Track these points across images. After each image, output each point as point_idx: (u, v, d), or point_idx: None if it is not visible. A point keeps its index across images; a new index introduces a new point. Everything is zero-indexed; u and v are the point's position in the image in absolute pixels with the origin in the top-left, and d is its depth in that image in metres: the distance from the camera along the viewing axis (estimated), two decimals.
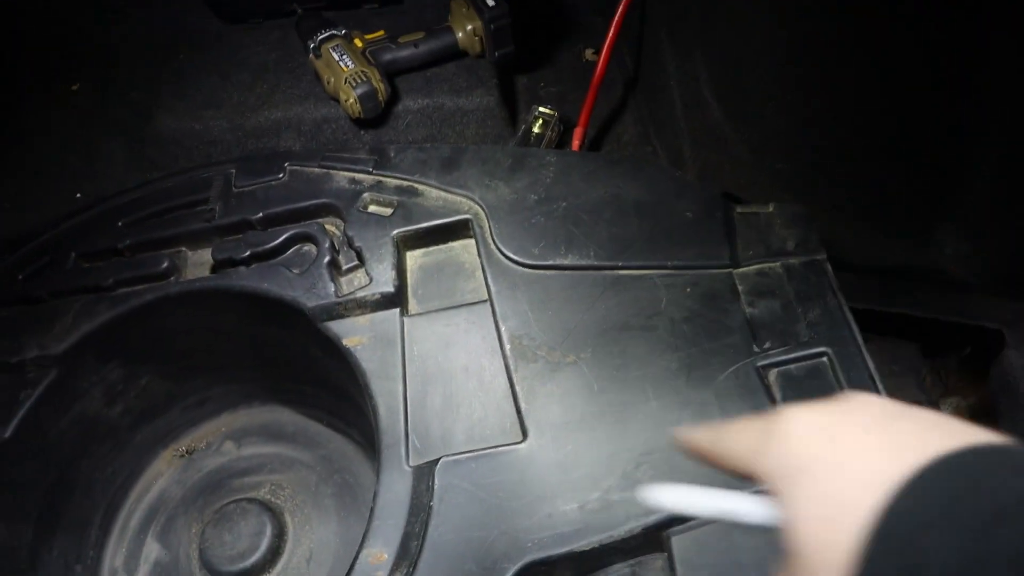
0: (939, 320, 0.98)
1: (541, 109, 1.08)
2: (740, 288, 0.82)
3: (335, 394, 0.98)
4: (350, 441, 1.03)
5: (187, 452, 1.06)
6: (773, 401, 0.74)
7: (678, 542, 0.70)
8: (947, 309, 0.98)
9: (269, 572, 0.95)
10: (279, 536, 0.96)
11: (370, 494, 0.80)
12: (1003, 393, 0.95)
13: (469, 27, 1.11)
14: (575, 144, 1.07)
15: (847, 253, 0.99)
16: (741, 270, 0.83)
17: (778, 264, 0.83)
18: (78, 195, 1.18)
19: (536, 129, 1.07)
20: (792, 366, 0.76)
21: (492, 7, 1.04)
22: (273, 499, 1.00)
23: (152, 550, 1.00)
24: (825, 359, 0.76)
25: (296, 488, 1.01)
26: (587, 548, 0.70)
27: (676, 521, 0.70)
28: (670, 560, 0.69)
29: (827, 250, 0.97)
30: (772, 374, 0.76)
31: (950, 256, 0.95)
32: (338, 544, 0.96)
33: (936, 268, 0.97)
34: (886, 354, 1.06)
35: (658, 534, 0.70)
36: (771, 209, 0.86)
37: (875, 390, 0.73)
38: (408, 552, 0.72)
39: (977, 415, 1.10)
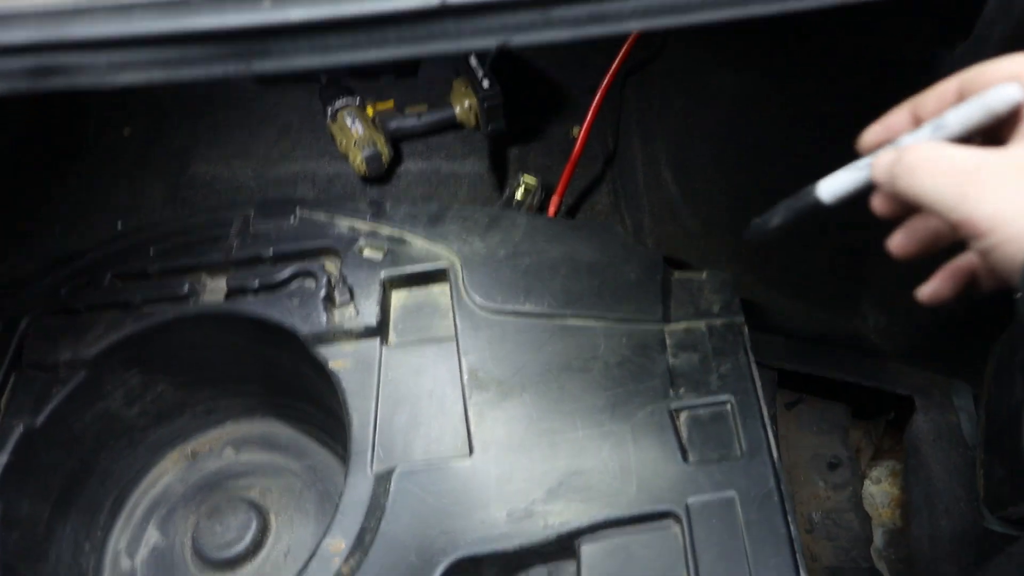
0: (860, 385, 1.10)
1: (525, 178, 1.24)
2: (668, 341, 0.95)
3: (324, 411, 1.11)
4: (334, 455, 1.16)
5: (192, 454, 1.20)
6: (679, 438, 0.87)
7: (586, 549, 0.82)
8: (868, 375, 1.09)
9: (250, 562, 1.08)
10: (263, 532, 1.09)
11: None
12: (912, 455, 1.07)
13: (467, 103, 1.28)
14: (551, 210, 1.22)
15: (781, 319, 1.12)
16: (671, 326, 0.96)
17: (703, 323, 0.96)
18: (119, 225, 1.35)
19: (519, 196, 1.23)
20: (700, 410, 0.89)
21: (486, 88, 1.21)
22: (261, 500, 1.13)
23: (152, 536, 1.13)
24: (728, 406, 0.88)
25: (283, 492, 1.14)
26: (509, 549, 0.82)
27: (586, 531, 0.82)
28: (578, 566, 0.82)
29: (762, 315, 1.11)
30: (682, 415, 0.89)
31: (871, 327, 1.08)
32: (313, 543, 1.07)
33: (859, 336, 1.09)
34: (816, 412, 1.18)
35: (570, 542, 0.83)
36: (704, 276, 1.00)
37: (767, 436, 0.85)
38: (363, 543, 0.85)
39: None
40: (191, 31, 0.40)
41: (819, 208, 0.53)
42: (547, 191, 1.26)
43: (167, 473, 1.19)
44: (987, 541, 0.98)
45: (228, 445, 1.21)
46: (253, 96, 1.44)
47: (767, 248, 0.67)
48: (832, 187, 0.52)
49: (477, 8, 0.41)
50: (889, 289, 1.04)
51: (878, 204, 0.53)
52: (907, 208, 0.51)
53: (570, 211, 1.33)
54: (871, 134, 0.54)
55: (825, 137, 0.93)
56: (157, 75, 0.41)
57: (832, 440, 1.16)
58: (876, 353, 1.10)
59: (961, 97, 0.49)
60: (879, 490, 1.32)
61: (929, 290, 0.55)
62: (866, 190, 0.51)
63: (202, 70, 0.41)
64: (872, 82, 0.83)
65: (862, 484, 1.18)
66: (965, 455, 1.05)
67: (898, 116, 0.53)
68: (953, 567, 1.01)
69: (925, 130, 0.49)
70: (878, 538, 1.22)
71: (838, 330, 1.11)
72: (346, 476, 0.91)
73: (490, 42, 0.43)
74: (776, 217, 0.56)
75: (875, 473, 1.33)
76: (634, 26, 0.45)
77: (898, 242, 0.54)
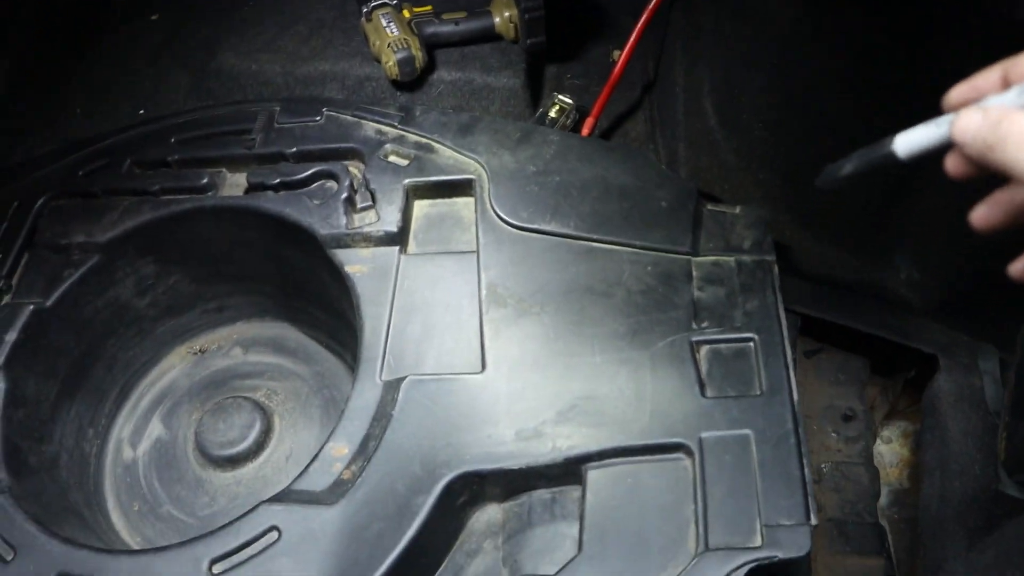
0: (884, 339, 1.06)
1: (560, 97, 1.19)
2: (694, 273, 0.92)
3: (336, 318, 1.10)
4: (343, 363, 1.15)
5: (200, 350, 1.19)
6: (698, 372, 0.84)
7: (593, 475, 0.80)
8: (893, 329, 1.06)
9: (251, 462, 1.07)
10: (266, 433, 1.08)
11: None
12: (930, 415, 1.04)
13: (507, 14, 1.23)
14: (585, 132, 1.18)
15: (809, 263, 1.09)
16: (699, 258, 0.93)
17: (732, 259, 0.93)
18: (141, 112, 1.32)
19: (552, 114, 1.19)
20: (721, 345, 0.86)
21: None
22: (267, 402, 1.12)
23: (155, 428, 1.13)
24: (751, 344, 0.86)
25: (288, 396, 1.13)
26: (515, 468, 0.81)
27: (594, 456, 0.80)
28: (583, 491, 0.80)
29: (791, 258, 1.07)
30: (703, 349, 0.86)
31: (903, 280, 1.04)
32: (315, 449, 1.07)
33: (889, 289, 1.06)
34: (835, 363, 1.15)
35: (577, 467, 0.81)
36: (737, 211, 0.96)
37: (788, 377, 0.83)
38: (366, 450, 0.84)
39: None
40: None
41: (892, 162, 0.52)
42: (581, 113, 1.22)
43: (174, 367, 1.18)
44: (998, 506, 0.96)
45: (237, 344, 1.20)
46: None
47: (833, 192, 0.65)
48: (909, 142, 0.51)
49: None
50: (926, 243, 1.00)
51: (952, 165, 0.51)
52: (982, 171, 0.49)
53: (603, 135, 1.28)
54: (957, 93, 0.52)
55: (891, 80, 0.88)
56: None
57: (849, 392, 1.14)
58: (904, 308, 1.07)
59: None
60: (889, 450, 1.31)
61: (1021, 267, 0.52)
62: (944, 148, 0.50)
63: None
64: (954, 27, 0.77)
65: (874, 440, 1.16)
66: (985, 420, 1.02)
67: (987, 76, 0.51)
68: (960, 528, 0.99)
69: (1012, 93, 0.47)
70: (883, 497, 1.21)
71: (868, 281, 1.08)
72: (354, 382, 0.90)
73: None
74: (848, 166, 0.54)
75: (886, 432, 1.31)
76: None
77: (981, 215, 0.52)
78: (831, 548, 1.05)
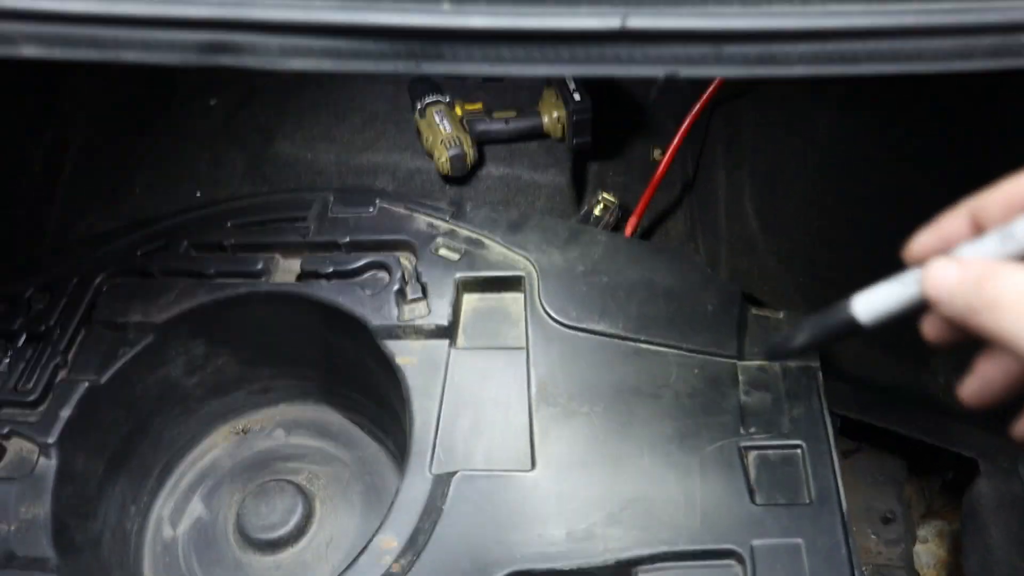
0: (923, 441, 1.07)
1: (604, 195, 1.23)
2: (740, 378, 0.94)
3: (380, 405, 1.12)
4: (384, 450, 1.16)
5: (243, 431, 1.21)
6: (747, 478, 0.85)
7: None
8: (932, 432, 1.07)
9: (292, 547, 1.07)
10: (307, 517, 1.09)
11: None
12: (970, 519, 1.04)
13: (555, 114, 1.28)
14: (628, 230, 1.21)
15: (848, 365, 1.11)
16: (744, 363, 0.95)
17: (777, 364, 0.95)
18: (198, 194, 1.37)
19: (597, 212, 1.22)
20: (770, 451, 0.88)
21: (577, 101, 1.20)
22: (308, 485, 1.13)
23: (196, 508, 1.14)
24: (799, 451, 0.87)
25: (330, 480, 1.14)
26: (565, 569, 0.81)
27: (645, 560, 0.81)
28: None
29: (830, 360, 1.09)
30: (752, 455, 0.88)
31: (941, 384, 1.06)
32: (356, 535, 1.09)
33: (928, 392, 1.07)
34: (873, 463, 1.16)
35: (628, 570, 0.82)
36: (781, 316, 0.99)
37: (837, 485, 0.84)
38: (415, 544, 0.85)
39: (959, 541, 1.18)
40: (370, 25, 0.40)
41: (855, 329, 0.45)
42: (624, 211, 1.25)
43: (216, 447, 1.20)
44: None
45: (280, 426, 1.21)
46: (342, 81, 1.45)
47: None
48: (872, 305, 0.44)
49: (654, 36, 0.41)
50: (962, 349, 1.01)
51: (932, 330, 0.44)
52: (967, 336, 0.42)
53: (644, 233, 1.32)
54: (921, 243, 0.45)
55: (934, 195, 0.92)
56: (327, 64, 0.41)
57: (887, 494, 1.14)
58: (943, 410, 1.08)
59: None
60: (925, 550, 1.30)
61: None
62: (916, 309, 0.43)
63: (372, 65, 0.41)
64: (997, 145, 0.81)
65: (914, 542, 1.16)
66: None
67: (953, 221, 0.44)
68: None
69: (990, 241, 0.40)
70: None
71: (907, 384, 1.09)
72: (404, 474, 0.91)
73: (658, 71, 0.42)
74: (801, 337, 0.48)
75: (922, 532, 1.31)
76: (800, 71, 0.45)
77: (972, 392, 0.45)
78: None
